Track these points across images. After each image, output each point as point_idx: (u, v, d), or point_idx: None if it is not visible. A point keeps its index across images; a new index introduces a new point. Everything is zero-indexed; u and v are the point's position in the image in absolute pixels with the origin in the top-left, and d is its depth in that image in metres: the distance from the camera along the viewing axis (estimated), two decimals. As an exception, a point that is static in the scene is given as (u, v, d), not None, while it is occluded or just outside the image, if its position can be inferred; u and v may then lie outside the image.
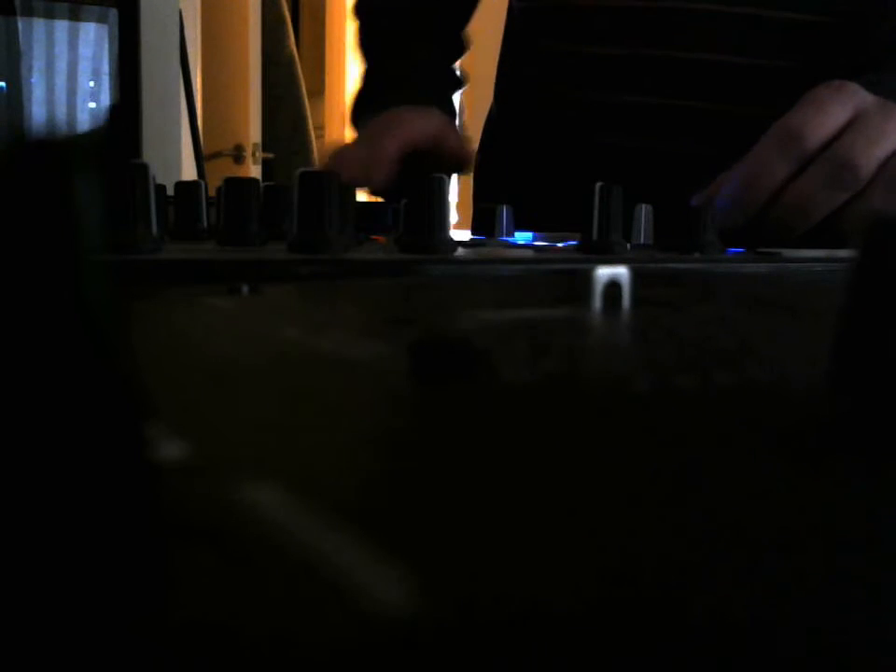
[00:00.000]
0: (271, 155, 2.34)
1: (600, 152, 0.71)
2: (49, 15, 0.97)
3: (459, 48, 0.83)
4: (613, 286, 0.24)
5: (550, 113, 0.75)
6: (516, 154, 0.78)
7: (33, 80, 0.97)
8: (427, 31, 0.78)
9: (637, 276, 0.25)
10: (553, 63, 0.73)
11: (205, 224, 0.46)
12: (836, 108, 0.50)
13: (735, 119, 0.66)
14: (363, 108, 0.75)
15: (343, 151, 0.66)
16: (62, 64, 0.98)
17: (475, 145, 0.80)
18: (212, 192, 0.50)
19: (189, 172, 1.29)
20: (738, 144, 0.53)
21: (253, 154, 2.31)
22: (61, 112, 0.98)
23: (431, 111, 0.70)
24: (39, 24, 0.96)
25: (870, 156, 0.49)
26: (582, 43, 0.70)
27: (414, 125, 0.67)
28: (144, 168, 0.34)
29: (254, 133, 2.32)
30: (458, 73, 0.82)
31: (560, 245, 0.49)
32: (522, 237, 0.55)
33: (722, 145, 0.56)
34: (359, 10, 0.82)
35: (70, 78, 0.99)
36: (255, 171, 2.30)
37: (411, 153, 0.65)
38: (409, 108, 0.70)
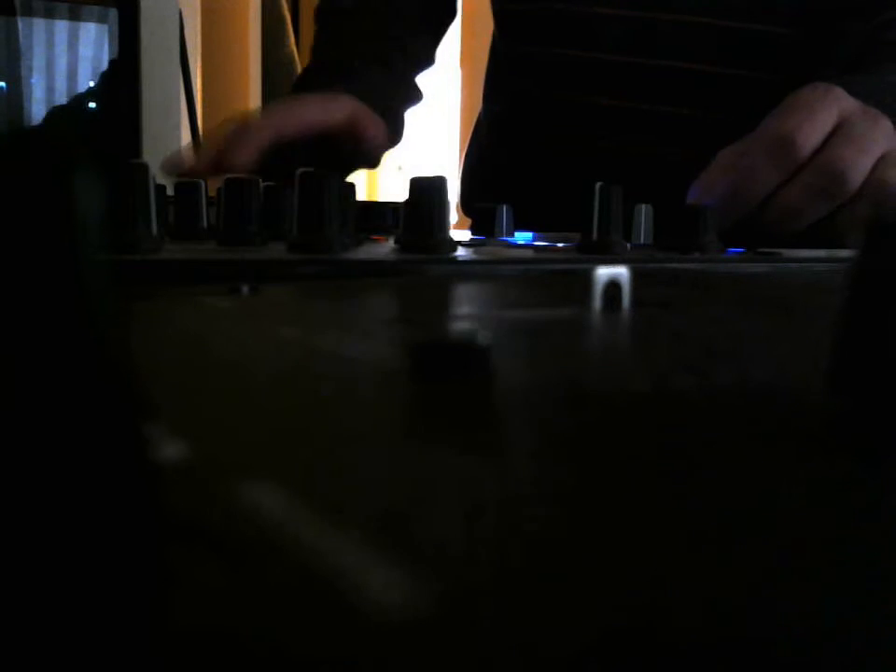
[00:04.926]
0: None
1: (593, 153, 0.71)
2: (49, 15, 0.97)
3: (428, 60, 0.81)
4: (613, 285, 0.24)
5: (540, 115, 0.75)
6: (509, 156, 0.78)
7: (33, 80, 0.97)
8: (401, 36, 0.76)
9: (636, 276, 0.25)
10: (538, 68, 0.73)
11: (205, 224, 0.46)
12: (824, 114, 0.51)
13: (716, 125, 0.66)
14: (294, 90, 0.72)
15: (218, 131, 0.61)
16: (62, 64, 0.98)
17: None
18: (212, 192, 0.50)
19: (189, 172, 1.29)
20: (715, 148, 0.53)
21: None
22: (60, 112, 0.98)
23: (341, 98, 0.65)
24: (39, 24, 0.96)
25: (858, 165, 0.50)
26: (567, 48, 0.70)
27: (310, 110, 0.63)
28: (144, 168, 0.34)
29: (254, 133, 2.31)
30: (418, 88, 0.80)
31: (560, 244, 0.49)
32: (522, 237, 0.55)
33: (699, 149, 0.56)
34: (322, 14, 0.79)
35: (70, 78, 0.99)
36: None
37: (307, 139, 0.60)
38: (316, 94, 0.65)
